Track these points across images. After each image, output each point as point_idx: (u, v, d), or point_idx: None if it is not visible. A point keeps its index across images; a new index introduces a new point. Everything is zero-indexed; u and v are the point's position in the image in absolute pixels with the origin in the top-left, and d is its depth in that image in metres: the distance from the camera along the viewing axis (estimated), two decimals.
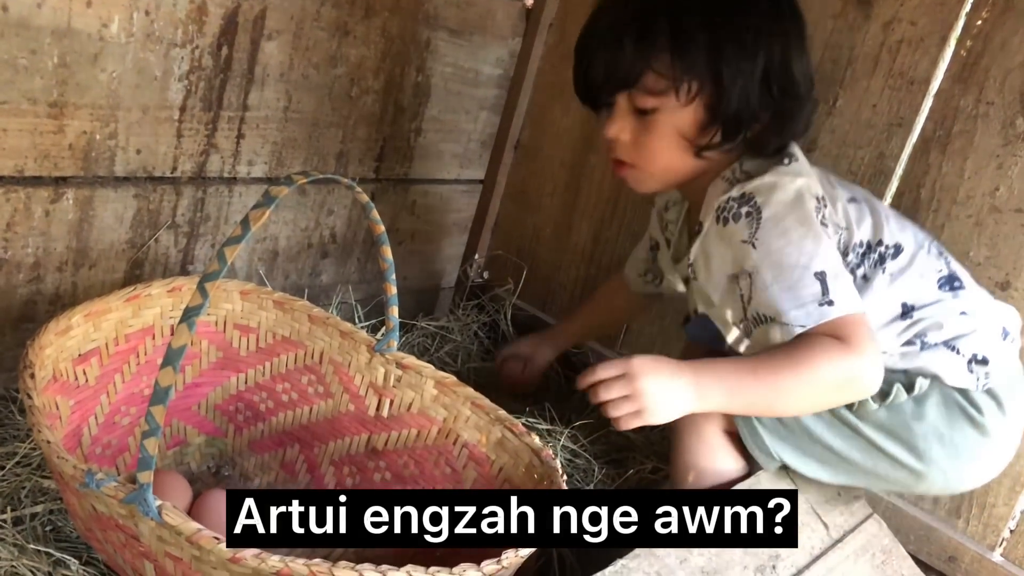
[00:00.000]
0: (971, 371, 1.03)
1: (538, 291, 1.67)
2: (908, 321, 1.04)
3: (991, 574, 1.20)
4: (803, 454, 1.05)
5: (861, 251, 1.04)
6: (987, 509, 1.21)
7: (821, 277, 0.96)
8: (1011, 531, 1.20)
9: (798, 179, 1.01)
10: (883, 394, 1.01)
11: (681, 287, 1.24)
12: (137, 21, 1.07)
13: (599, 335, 1.57)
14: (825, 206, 1.03)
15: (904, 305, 1.04)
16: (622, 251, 1.54)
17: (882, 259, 1.05)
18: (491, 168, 1.68)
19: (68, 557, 0.88)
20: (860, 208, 1.07)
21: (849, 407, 1.02)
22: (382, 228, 0.95)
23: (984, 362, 1.04)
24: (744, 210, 1.00)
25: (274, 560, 0.69)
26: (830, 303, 0.95)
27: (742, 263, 1.00)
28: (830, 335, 0.95)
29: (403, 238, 1.59)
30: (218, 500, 1.02)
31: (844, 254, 1.02)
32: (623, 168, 1.10)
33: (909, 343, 1.04)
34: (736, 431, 1.05)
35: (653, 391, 0.94)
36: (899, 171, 1.24)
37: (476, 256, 1.72)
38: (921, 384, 1.02)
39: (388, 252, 0.97)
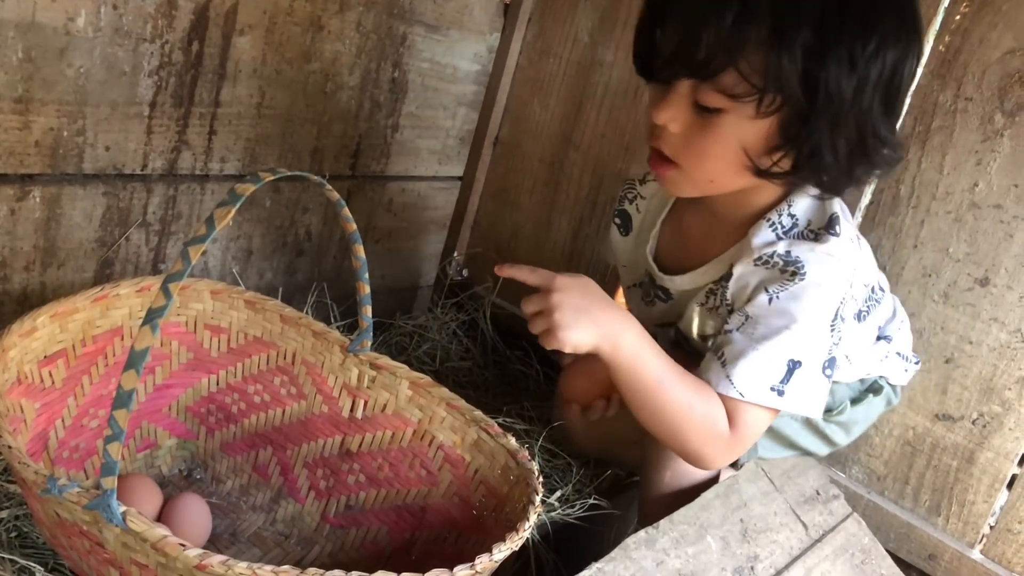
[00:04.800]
0: (906, 371, 1.16)
1: (518, 289, 1.63)
2: (881, 343, 1.11)
3: (971, 571, 1.20)
4: (771, 449, 1.11)
5: (866, 295, 1.05)
6: (967, 506, 1.21)
7: (792, 365, 0.92)
8: (991, 527, 1.20)
9: (844, 264, 0.94)
10: (856, 400, 1.12)
11: (624, 266, 1.17)
12: (105, 15, 1.04)
13: None
14: (851, 286, 0.96)
15: (879, 329, 1.11)
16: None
17: (877, 301, 1.08)
18: (470, 165, 1.67)
19: (33, 564, 0.86)
20: (862, 245, 1.05)
21: (827, 411, 1.09)
22: (354, 226, 0.93)
23: (917, 363, 1.18)
24: (790, 269, 0.92)
25: (241, 567, 0.68)
26: (780, 393, 0.92)
27: (746, 301, 0.95)
28: (734, 416, 0.94)
29: (380, 236, 1.58)
30: (189, 504, 1.00)
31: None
32: (663, 166, 0.94)
33: (880, 360, 1.11)
34: None
35: (565, 311, 0.89)
36: None
37: (455, 254, 1.70)
38: (881, 387, 1.13)
39: (360, 251, 0.95)
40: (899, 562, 1.21)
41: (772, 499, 1.04)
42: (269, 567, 0.68)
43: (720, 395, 0.93)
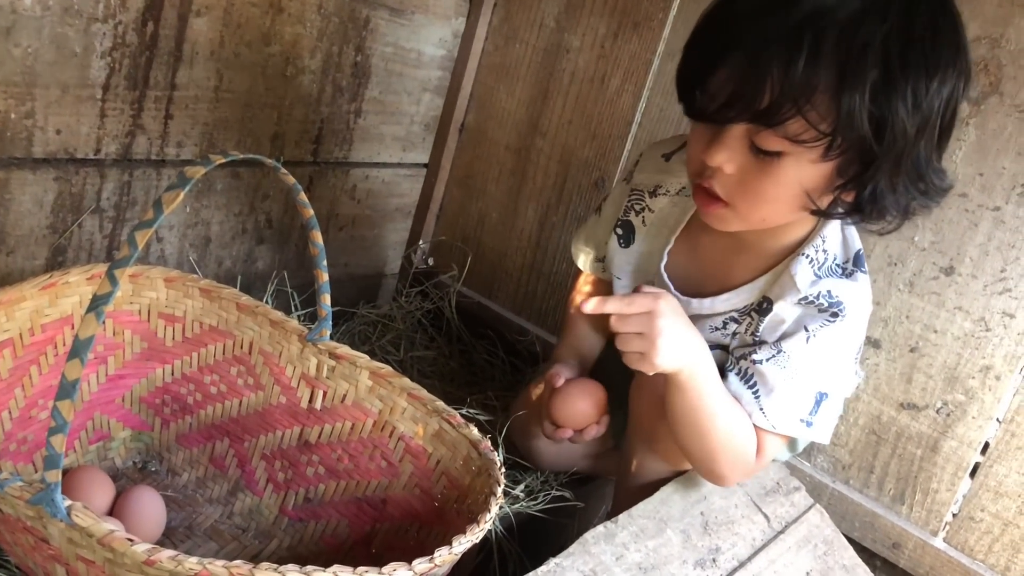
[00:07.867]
0: (854, 384, 1.15)
1: (483, 278, 1.64)
2: None
3: (934, 559, 1.20)
4: None
5: None
6: (930, 495, 1.21)
7: (820, 397, 0.94)
8: (954, 515, 1.20)
9: (870, 299, 0.96)
10: None
11: (620, 278, 1.13)
12: None
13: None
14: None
15: None
16: (568, 237, 1.51)
17: None
18: (435, 152, 1.64)
19: None
20: None
21: None
22: (311, 212, 0.91)
23: (862, 376, 1.19)
24: (831, 310, 0.92)
25: (191, 562, 0.66)
26: (808, 424, 0.95)
27: (780, 337, 0.94)
28: (762, 444, 0.95)
29: (344, 223, 1.55)
30: (143, 497, 0.98)
31: None
32: (714, 204, 0.88)
33: None
34: None
35: (667, 337, 0.84)
36: None
37: (420, 242, 1.68)
38: None
39: (318, 237, 0.93)
40: (863, 551, 1.21)
41: (732, 492, 1.04)
42: (220, 562, 0.66)
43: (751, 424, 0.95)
